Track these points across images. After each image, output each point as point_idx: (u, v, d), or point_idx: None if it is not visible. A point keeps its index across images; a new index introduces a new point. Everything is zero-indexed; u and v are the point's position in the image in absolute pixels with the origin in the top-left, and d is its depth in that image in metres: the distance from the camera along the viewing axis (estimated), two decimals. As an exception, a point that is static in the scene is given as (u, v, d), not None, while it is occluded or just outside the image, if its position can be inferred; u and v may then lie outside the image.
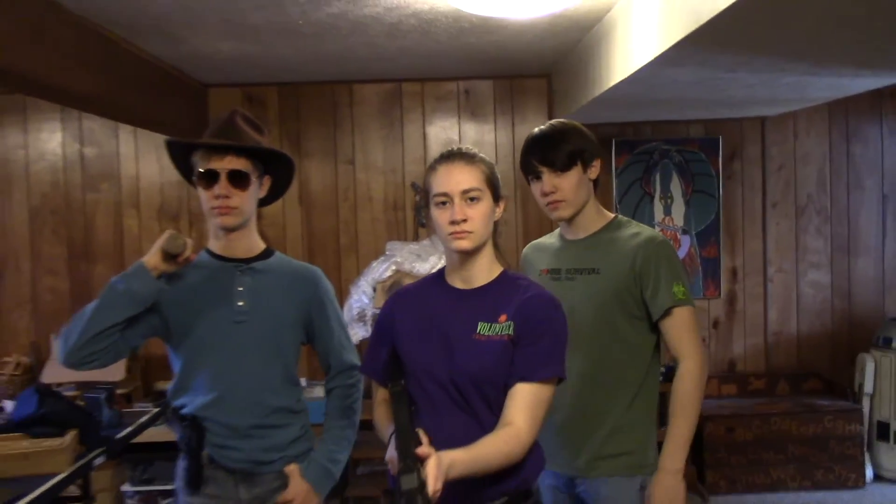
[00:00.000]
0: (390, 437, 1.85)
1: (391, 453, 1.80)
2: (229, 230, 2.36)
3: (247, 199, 2.32)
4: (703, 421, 5.03)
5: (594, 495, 2.44)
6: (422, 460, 1.66)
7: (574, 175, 2.43)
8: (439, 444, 1.74)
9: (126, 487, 5.04)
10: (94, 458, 3.25)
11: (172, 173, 5.51)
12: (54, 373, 4.78)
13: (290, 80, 5.25)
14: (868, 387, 5.25)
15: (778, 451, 5.10)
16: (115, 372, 4.88)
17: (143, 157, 5.38)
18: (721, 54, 3.03)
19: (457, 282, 2.04)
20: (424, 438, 1.73)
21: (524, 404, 1.88)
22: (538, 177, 2.45)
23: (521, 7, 3.29)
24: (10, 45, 2.81)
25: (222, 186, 2.28)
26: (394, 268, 4.43)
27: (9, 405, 3.88)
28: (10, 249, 5.36)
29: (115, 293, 2.22)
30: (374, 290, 4.44)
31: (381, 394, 2.13)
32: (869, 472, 5.20)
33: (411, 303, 2.09)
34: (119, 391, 4.56)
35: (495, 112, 5.43)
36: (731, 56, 3.08)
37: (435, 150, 5.38)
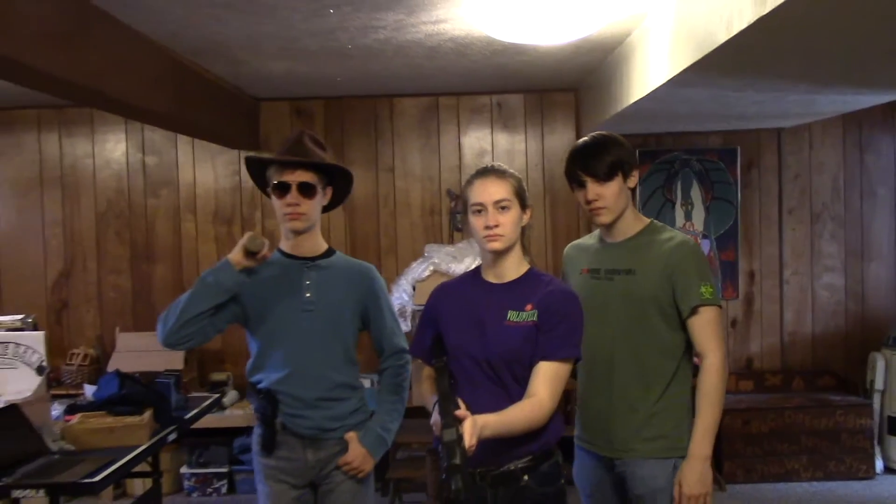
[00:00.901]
0: (434, 405, 2.20)
1: (435, 417, 2.14)
2: (298, 233, 2.75)
3: (313, 207, 2.72)
4: (721, 414, 5.34)
5: (631, 475, 2.64)
6: (460, 420, 2.03)
7: (615, 184, 2.63)
8: (474, 412, 2.10)
9: (184, 469, 5.48)
10: (168, 433, 3.66)
11: (226, 180, 6.01)
12: (119, 363, 5.23)
13: (335, 94, 5.66)
14: (879, 383, 5.54)
15: (792, 443, 5.40)
16: (175, 362, 5.33)
17: (199, 166, 5.83)
18: (726, 78, 3.39)
19: (490, 277, 2.40)
20: (462, 404, 2.11)
21: (546, 379, 2.24)
22: (582, 185, 2.66)
23: (546, 35, 3.66)
24: (105, 74, 3.24)
25: (293, 196, 2.66)
26: (431, 268, 4.83)
27: (88, 389, 4.31)
28: (78, 250, 5.84)
29: (205, 284, 2.64)
30: (414, 288, 4.84)
31: (425, 371, 2.48)
32: (879, 464, 5.48)
33: (452, 295, 2.46)
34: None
35: (526, 124, 5.81)
36: (735, 79, 3.44)
37: (469, 159, 5.78)
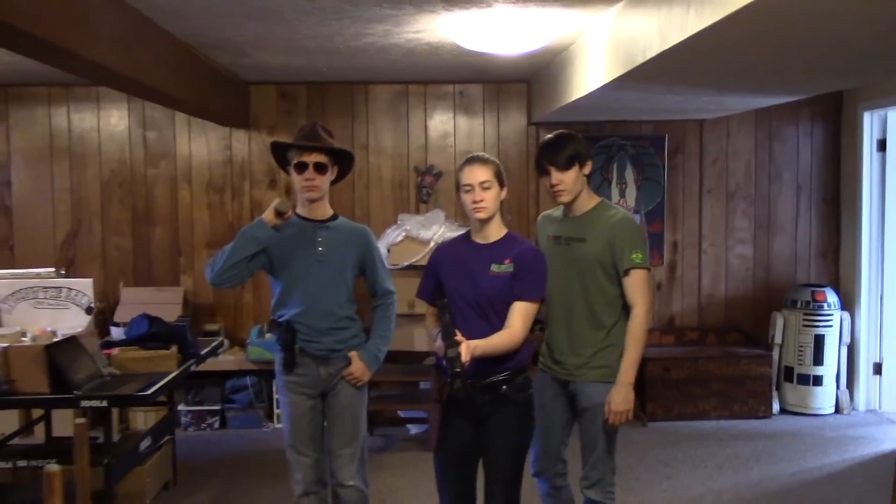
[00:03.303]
0: (437, 333, 2.95)
1: (439, 342, 2.90)
2: (312, 201, 3.49)
3: (325, 181, 3.47)
4: (645, 362, 6.27)
5: (581, 392, 3.36)
6: (458, 343, 2.79)
7: (573, 172, 3.29)
8: (466, 338, 2.84)
9: (182, 407, 6.22)
10: (191, 364, 4.46)
11: (218, 154, 6.81)
12: (124, 314, 5.94)
13: (317, 80, 6.42)
14: (778, 338, 6.52)
15: (704, 388, 6.35)
16: (173, 314, 6.02)
17: (194, 140, 6.55)
18: (648, 85, 4.26)
19: (478, 238, 3.14)
20: (458, 332, 2.85)
21: (519, 314, 3.01)
22: (547, 173, 3.32)
23: (504, 47, 4.49)
24: (152, 70, 4.00)
25: (310, 173, 3.41)
26: (404, 234, 5.66)
27: (115, 332, 5.07)
28: (84, 214, 6.53)
29: (244, 237, 3.38)
30: (388, 251, 5.67)
31: (429, 310, 3.25)
32: (776, 406, 6.48)
33: (449, 253, 3.20)
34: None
35: (484, 110, 6.65)
36: (656, 86, 4.32)
37: (434, 139, 6.61)
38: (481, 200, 3.04)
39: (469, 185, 3.05)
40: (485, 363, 2.97)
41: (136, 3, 3.79)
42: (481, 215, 3.06)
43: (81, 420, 2.76)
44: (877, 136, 6.42)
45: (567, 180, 3.31)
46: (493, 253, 3.09)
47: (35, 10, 2.87)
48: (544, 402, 3.44)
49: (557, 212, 3.57)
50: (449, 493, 3.19)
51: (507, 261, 3.06)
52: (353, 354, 3.54)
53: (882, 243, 6.44)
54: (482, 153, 3.23)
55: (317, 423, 3.57)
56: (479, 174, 3.04)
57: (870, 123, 6.40)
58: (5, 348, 3.80)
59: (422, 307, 3.40)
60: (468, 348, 2.80)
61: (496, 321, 3.04)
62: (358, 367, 3.52)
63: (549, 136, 3.43)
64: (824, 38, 3.10)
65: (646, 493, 4.85)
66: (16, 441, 4.72)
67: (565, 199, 3.37)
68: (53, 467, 2.22)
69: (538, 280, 3.08)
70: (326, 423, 3.60)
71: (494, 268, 3.06)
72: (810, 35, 3.05)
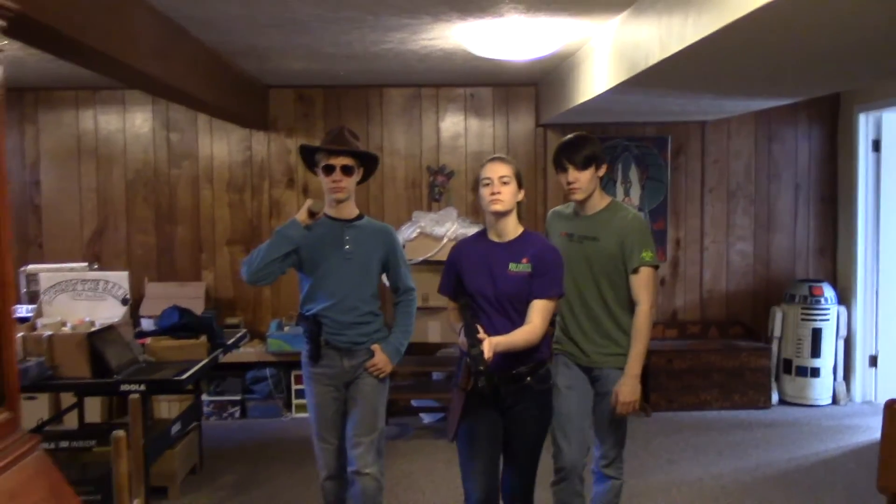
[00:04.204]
0: (461, 330, 3.06)
1: (462, 338, 3.02)
2: (340, 202, 3.63)
3: (351, 183, 3.62)
4: (649, 355, 6.39)
5: (600, 376, 3.55)
6: (481, 340, 2.89)
7: (589, 172, 3.46)
8: (488, 334, 2.95)
9: (204, 397, 6.45)
10: (219, 353, 4.72)
11: (239, 154, 7.09)
12: (149, 307, 6.21)
13: (334, 83, 6.68)
14: (777, 332, 6.77)
15: (705, 379, 6.60)
16: (198, 306, 6.29)
17: (216, 141, 6.82)
18: (650, 89, 4.52)
19: (494, 237, 3.23)
20: (481, 329, 2.96)
21: (538, 311, 3.11)
22: (565, 170, 3.47)
23: (519, 53, 4.75)
24: (188, 77, 4.27)
25: (337, 174, 3.55)
26: (418, 230, 5.93)
27: (145, 322, 5.34)
28: (110, 212, 6.80)
29: (279, 237, 3.55)
30: (404, 246, 5.91)
31: (450, 304, 3.37)
32: (775, 397, 6.72)
33: (467, 251, 3.28)
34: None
35: (494, 112, 6.91)
36: (657, 90, 4.57)
37: (446, 140, 6.87)
38: (499, 193, 3.13)
39: (488, 178, 3.15)
40: (510, 357, 3.09)
41: (172, 13, 4.06)
42: (497, 207, 3.14)
43: (136, 395, 3.01)
44: (872, 136, 6.65)
45: (583, 179, 3.47)
46: (511, 252, 3.18)
47: (84, 21, 3.15)
48: (567, 382, 3.59)
49: (568, 209, 3.73)
50: (477, 462, 3.21)
51: (524, 260, 3.15)
52: (376, 347, 3.68)
53: (877, 240, 6.67)
54: (504, 154, 3.44)
55: (340, 413, 3.70)
56: (499, 169, 3.15)
57: (865, 125, 6.64)
58: (50, 336, 4.06)
59: (437, 300, 3.57)
60: (490, 345, 2.90)
61: (515, 317, 3.14)
62: (380, 359, 3.67)
63: (570, 136, 3.57)
64: (812, 47, 3.35)
65: (649, 478, 5.10)
66: (48, 428, 4.99)
67: (579, 196, 3.52)
68: (120, 433, 2.49)
69: (556, 278, 3.17)
70: (347, 411, 3.71)
71: (512, 267, 3.15)
72: (799, 44, 3.31)
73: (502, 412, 3.23)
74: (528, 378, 3.18)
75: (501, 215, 3.18)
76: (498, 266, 3.17)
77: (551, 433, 3.52)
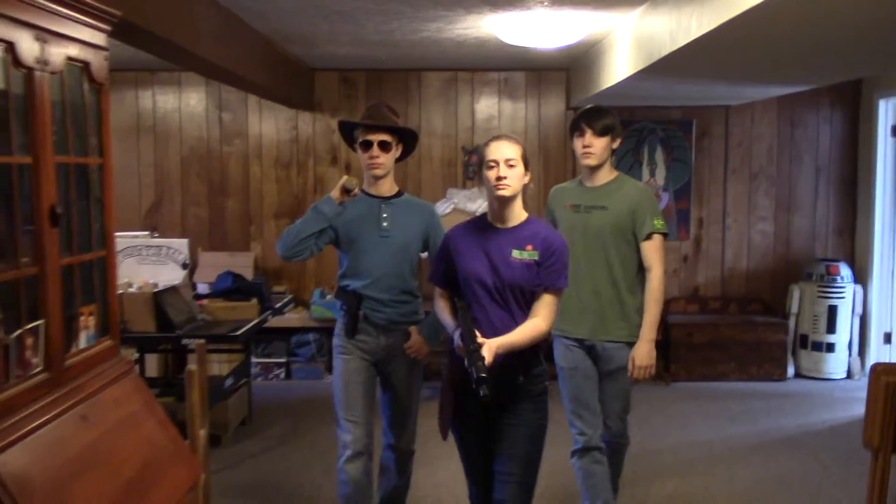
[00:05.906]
0: (455, 331, 2.84)
1: (457, 342, 2.78)
2: (378, 178, 3.54)
3: (389, 159, 3.53)
4: (670, 328, 6.88)
5: (603, 351, 3.60)
6: (480, 345, 2.65)
7: (605, 140, 3.54)
8: (485, 328, 2.78)
9: (252, 359, 6.96)
10: (268, 314, 5.19)
11: (286, 133, 7.55)
12: (202, 274, 6.69)
13: (375, 67, 7.09)
14: (794, 308, 7.07)
15: (724, 352, 6.92)
16: (247, 274, 6.75)
17: (265, 121, 7.27)
18: (667, 76, 4.86)
19: (496, 222, 2.94)
20: (479, 334, 2.71)
21: (545, 305, 2.87)
22: (583, 134, 3.52)
23: (546, 42, 5.11)
24: (244, 62, 4.71)
25: (375, 150, 3.46)
26: (452, 206, 6.35)
27: (200, 286, 5.83)
28: (166, 186, 7.30)
29: (314, 213, 3.47)
30: (438, 221, 6.35)
31: (438, 292, 3.09)
32: (790, 370, 7.03)
33: (464, 235, 3.00)
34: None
35: (526, 96, 7.28)
36: (674, 78, 4.91)
37: (480, 122, 7.25)
38: (505, 178, 2.86)
39: (494, 160, 2.87)
40: (509, 357, 2.81)
41: (231, 4, 4.49)
42: (503, 192, 2.87)
43: (201, 341, 3.46)
44: (891, 122, 6.89)
45: (598, 146, 3.55)
46: (515, 238, 2.92)
47: (153, 12, 3.55)
48: (570, 364, 3.67)
49: (571, 184, 3.84)
50: (474, 457, 3.09)
51: (529, 247, 2.89)
52: (413, 329, 3.55)
53: (895, 222, 6.93)
54: (509, 133, 3.44)
55: (369, 388, 3.61)
56: (505, 151, 2.88)
57: (884, 110, 6.88)
58: (120, 294, 4.53)
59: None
60: (490, 349, 2.67)
61: (515, 308, 2.89)
62: (416, 341, 3.52)
63: (590, 105, 3.72)
64: (811, 38, 3.68)
65: (662, 439, 5.47)
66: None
67: (592, 162, 3.59)
68: (193, 367, 2.94)
69: (564, 268, 2.93)
70: (383, 393, 3.69)
71: (516, 254, 2.89)
72: (800, 36, 3.64)
73: (494, 418, 2.95)
74: (521, 378, 2.91)
75: (506, 200, 2.92)
76: (499, 252, 2.90)
77: (566, 415, 3.64)
